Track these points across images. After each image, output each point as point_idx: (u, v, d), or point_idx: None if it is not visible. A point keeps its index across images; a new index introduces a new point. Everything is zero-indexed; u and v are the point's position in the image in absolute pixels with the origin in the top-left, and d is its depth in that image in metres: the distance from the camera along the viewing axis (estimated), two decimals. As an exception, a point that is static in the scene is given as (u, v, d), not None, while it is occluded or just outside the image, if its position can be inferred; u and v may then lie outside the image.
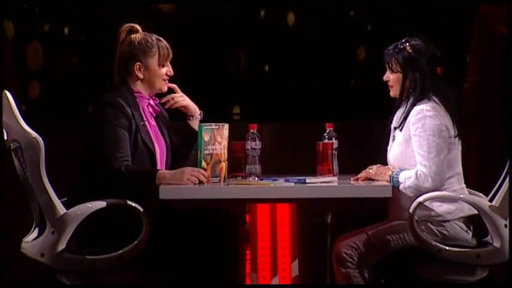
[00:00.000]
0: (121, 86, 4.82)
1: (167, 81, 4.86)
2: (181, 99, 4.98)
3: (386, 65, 4.81)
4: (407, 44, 4.78)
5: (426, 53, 4.75)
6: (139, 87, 4.83)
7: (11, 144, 4.59)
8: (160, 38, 4.86)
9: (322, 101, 6.77)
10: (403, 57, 4.76)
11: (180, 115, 5.03)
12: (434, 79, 4.75)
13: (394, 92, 4.82)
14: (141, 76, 4.81)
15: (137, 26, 4.87)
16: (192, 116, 5.01)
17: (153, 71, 4.82)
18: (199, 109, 5.03)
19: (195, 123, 4.96)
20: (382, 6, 6.72)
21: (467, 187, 4.80)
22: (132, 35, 4.84)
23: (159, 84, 4.84)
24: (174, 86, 4.96)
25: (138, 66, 4.80)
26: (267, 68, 6.86)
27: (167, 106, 4.94)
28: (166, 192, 4.49)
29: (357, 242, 4.66)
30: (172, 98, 4.96)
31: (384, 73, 4.83)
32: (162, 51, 4.82)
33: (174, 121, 5.03)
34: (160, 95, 4.91)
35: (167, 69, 4.84)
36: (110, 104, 4.70)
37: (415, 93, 4.74)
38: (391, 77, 4.81)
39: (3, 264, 6.28)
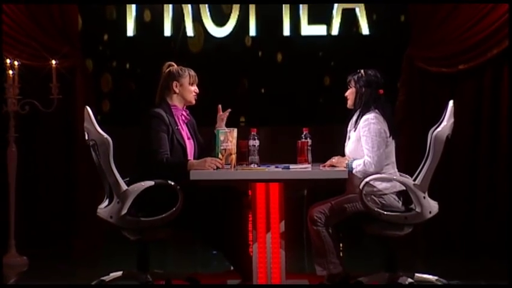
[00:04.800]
0: (162, 102, 4.78)
1: (195, 96, 4.80)
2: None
3: (347, 83, 4.77)
4: (363, 71, 4.75)
5: (375, 79, 4.72)
6: (175, 101, 4.78)
7: (90, 142, 4.57)
8: (190, 69, 4.84)
9: (300, 113, 6.77)
10: (358, 78, 4.73)
11: (204, 121, 4.97)
12: (376, 97, 4.71)
13: (350, 103, 4.78)
14: (177, 91, 4.77)
15: (174, 63, 4.86)
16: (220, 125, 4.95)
17: (185, 87, 4.78)
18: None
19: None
20: (341, 47, 6.70)
21: (398, 171, 4.76)
22: (171, 68, 4.83)
23: (189, 97, 4.80)
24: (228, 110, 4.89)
25: (175, 84, 4.77)
26: (263, 90, 6.85)
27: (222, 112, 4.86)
28: (194, 175, 4.46)
29: (324, 209, 4.63)
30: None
31: (341, 94, 4.81)
32: (191, 75, 4.80)
33: (200, 126, 4.97)
34: (192, 107, 4.86)
35: (194, 88, 4.81)
36: (154, 116, 4.67)
37: (362, 106, 4.70)
38: (349, 91, 4.77)
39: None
